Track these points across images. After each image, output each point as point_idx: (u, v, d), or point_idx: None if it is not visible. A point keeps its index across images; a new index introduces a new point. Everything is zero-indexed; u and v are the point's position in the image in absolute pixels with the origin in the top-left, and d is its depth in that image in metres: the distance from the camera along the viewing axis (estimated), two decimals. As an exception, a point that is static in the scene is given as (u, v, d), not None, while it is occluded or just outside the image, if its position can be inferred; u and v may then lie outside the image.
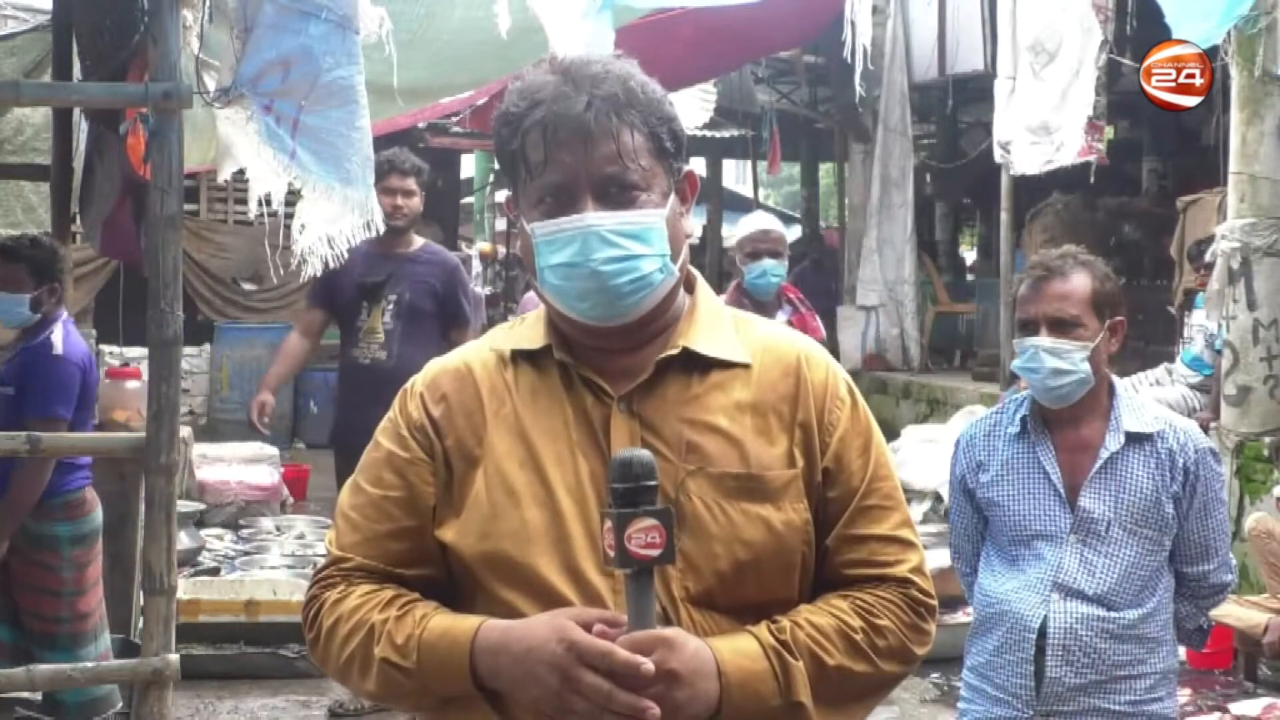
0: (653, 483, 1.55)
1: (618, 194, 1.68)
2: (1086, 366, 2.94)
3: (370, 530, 1.74)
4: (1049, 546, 2.97)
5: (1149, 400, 3.09)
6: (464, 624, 1.64)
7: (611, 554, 1.54)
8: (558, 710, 1.56)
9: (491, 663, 1.60)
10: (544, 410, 1.72)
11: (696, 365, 1.74)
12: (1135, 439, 2.96)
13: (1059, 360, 2.93)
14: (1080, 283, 2.96)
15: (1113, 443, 2.95)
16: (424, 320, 5.66)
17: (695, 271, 1.86)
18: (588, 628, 1.56)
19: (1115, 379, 3.06)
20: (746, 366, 1.75)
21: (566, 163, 1.67)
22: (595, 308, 1.69)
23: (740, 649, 1.62)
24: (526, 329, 1.81)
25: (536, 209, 1.71)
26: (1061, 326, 2.94)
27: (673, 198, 1.74)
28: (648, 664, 1.53)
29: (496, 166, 18.87)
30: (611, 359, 1.74)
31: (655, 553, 1.53)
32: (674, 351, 1.73)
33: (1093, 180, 8.99)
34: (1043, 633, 2.93)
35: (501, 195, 20.48)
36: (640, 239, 1.68)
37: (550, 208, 1.69)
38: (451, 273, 5.83)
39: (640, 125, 1.70)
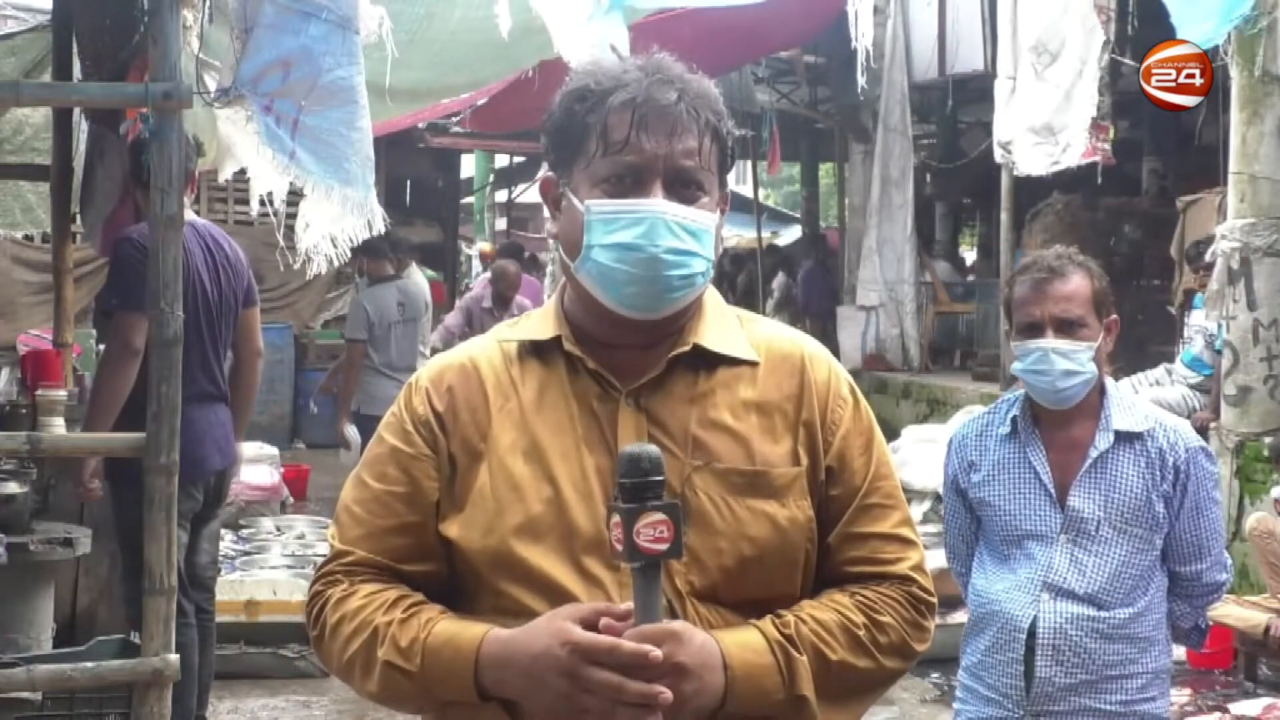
0: (661, 478, 1.56)
1: (684, 190, 1.70)
2: (1093, 366, 2.93)
3: (373, 525, 1.74)
4: (1039, 546, 2.96)
5: (1140, 399, 3.08)
6: (469, 633, 1.64)
7: (619, 548, 1.55)
8: (571, 712, 1.56)
9: (498, 675, 1.61)
10: (550, 405, 1.73)
11: (704, 362, 1.75)
12: (1125, 438, 2.95)
13: (1068, 361, 2.91)
14: (1081, 283, 2.95)
15: (1102, 442, 2.94)
16: None
17: None
18: (589, 623, 1.57)
19: (1108, 379, 3.05)
20: (754, 364, 1.76)
21: (647, 148, 1.68)
22: (640, 296, 1.69)
23: (745, 643, 1.63)
24: (534, 322, 1.81)
25: (597, 187, 1.70)
26: (1068, 327, 2.92)
27: (717, 212, 1.76)
28: (655, 651, 1.53)
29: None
30: (622, 353, 1.74)
31: (664, 547, 1.54)
32: (685, 348, 1.74)
33: (1096, 180, 8.98)
34: (1033, 632, 2.93)
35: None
36: (698, 238, 1.69)
37: (613, 188, 1.69)
38: None
39: (717, 132, 1.73)
